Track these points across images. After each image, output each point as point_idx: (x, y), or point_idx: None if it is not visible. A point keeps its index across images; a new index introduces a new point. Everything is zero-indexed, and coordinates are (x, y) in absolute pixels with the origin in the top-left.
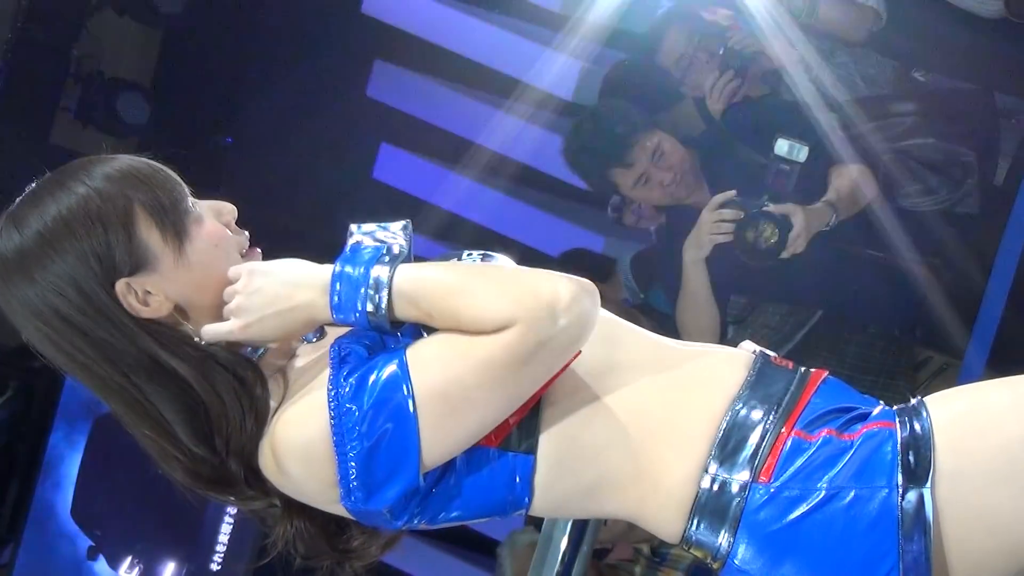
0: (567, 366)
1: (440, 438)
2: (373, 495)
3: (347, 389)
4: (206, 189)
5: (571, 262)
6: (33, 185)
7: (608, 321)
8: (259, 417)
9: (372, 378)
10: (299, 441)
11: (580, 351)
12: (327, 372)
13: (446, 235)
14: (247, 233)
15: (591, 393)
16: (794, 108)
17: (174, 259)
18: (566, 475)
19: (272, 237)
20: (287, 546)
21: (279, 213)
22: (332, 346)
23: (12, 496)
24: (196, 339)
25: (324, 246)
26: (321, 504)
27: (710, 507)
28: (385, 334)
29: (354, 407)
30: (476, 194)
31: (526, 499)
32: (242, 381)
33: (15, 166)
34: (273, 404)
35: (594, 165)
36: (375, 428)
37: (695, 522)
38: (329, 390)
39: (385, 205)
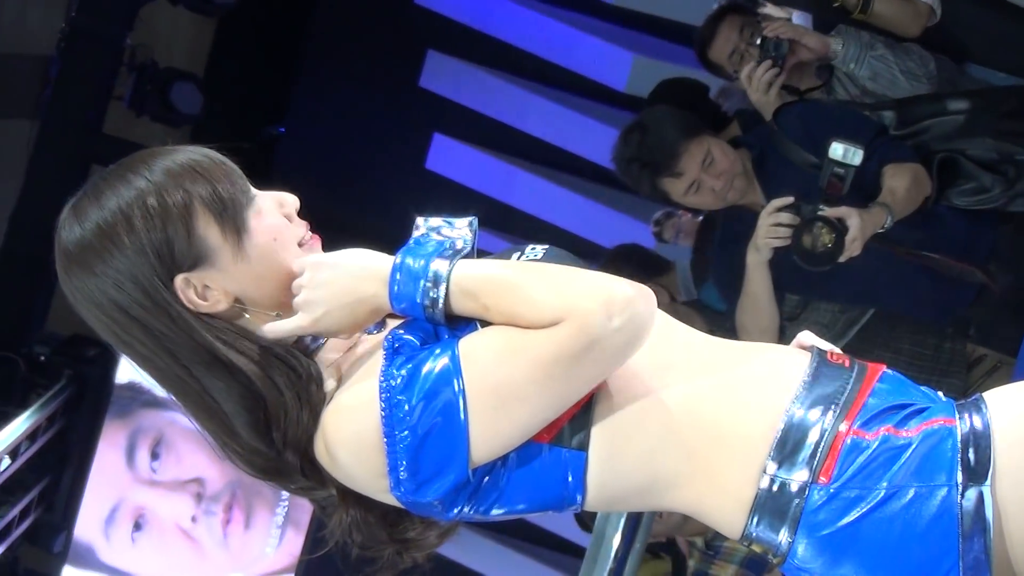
0: None
1: (490, 433)
2: (422, 487)
3: (398, 381)
4: (258, 179)
5: (624, 256)
6: (95, 177)
7: (662, 320)
8: (313, 410)
9: (424, 370)
10: (350, 430)
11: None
12: (380, 363)
13: (498, 225)
14: (307, 224)
15: (645, 391)
16: (847, 106)
17: (233, 254)
18: (619, 474)
19: (324, 227)
20: (344, 535)
21: (331, 203)
22: (386, 337)
23: (66, 485)
24: (255, 333)
25: (376, 236)
26: (372, 493)
27: (769, 507)
28: (440, 327)
29: (404, 399)
30: (529, 184)
31: (578, 496)
32: (298, 375)
33: (70, 156)
34: (327, 393)
35: (644, 176)
36: (425, 421)
37: (755, 520)
38: (381, 381)
39: (438, 195)
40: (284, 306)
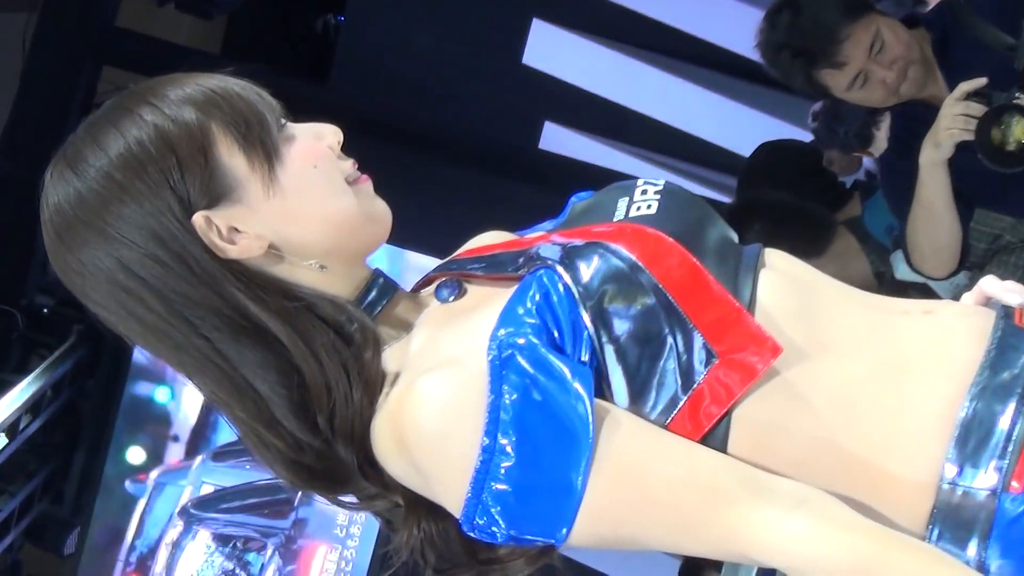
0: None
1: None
2: (495, 538)
3: (508, 418)
4: (314, 82)
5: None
6: (86, 121)
7: (808, 288)
8: (369, 387)
9: (540, 427)
10: (433, 431)
11: (781, 349)
12: (477, 356)
13: (614, 133)
14: (353, 160)
15: (792, 389)
16: None
17: (264, 186)
18: None
19: (394, 140)
20: (415, 554)
21: (403, 112)
22: (492, 340)
23: (77, 470)
24: (295, 287)
25: (460, 152)
26: (447, 504)
27: (951, 520)
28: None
29: (511, 449)
30: (651, 80)
31: None
32: (348, 341)
33: (76, 56)
34: (391, 371)
35: (797, 67)
36: (527, 483)
37: (935, 533)
38: (488, 409)
39: (538, 98)
40: (330, 253)
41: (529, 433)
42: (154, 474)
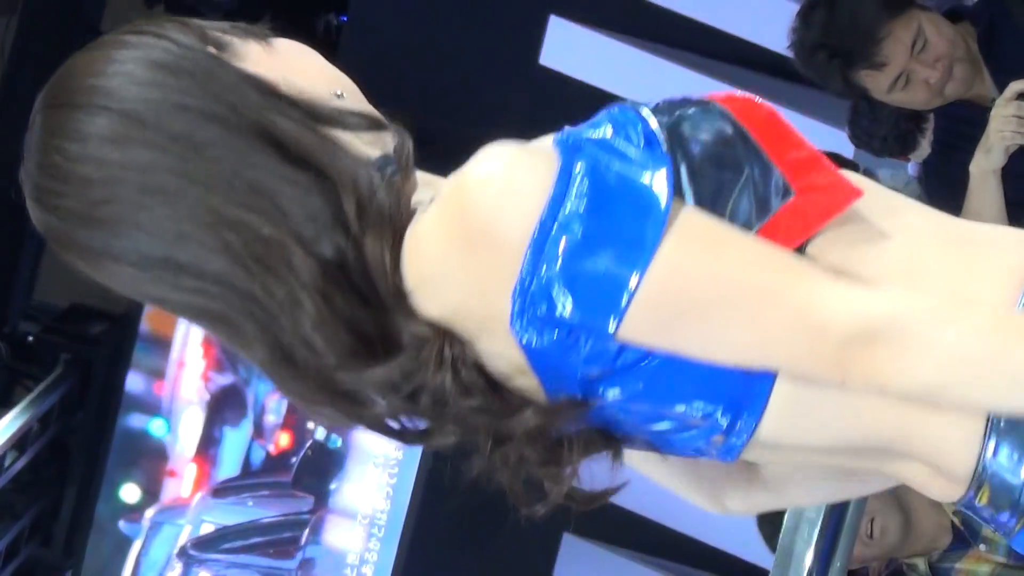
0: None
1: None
2: (545, 313)
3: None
4: None
5: None
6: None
7: (877, 188)
8: (405, 181)
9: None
10: (501, 184)
11: (862, 192)
12: (543, 146)
13: None
14: None
15: (866, 235)
16: None
17: (261, 45)
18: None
19: None
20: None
21: (408, 117)
22: (556, 139)
23: (67, 510)
24: (313, 103)
25: (467, 154)
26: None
27: (1015, 433)
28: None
29: (582, 199)
30: (680, 81)
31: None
32: (379, 168)
33: (57, 63)
34: (425, 198)
35: (833, 68)
36: (596, 232)
37: (990, 447)
38: (559, 170)
39: (555, 98)
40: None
41: (603, 186)
42: (150, 513)
